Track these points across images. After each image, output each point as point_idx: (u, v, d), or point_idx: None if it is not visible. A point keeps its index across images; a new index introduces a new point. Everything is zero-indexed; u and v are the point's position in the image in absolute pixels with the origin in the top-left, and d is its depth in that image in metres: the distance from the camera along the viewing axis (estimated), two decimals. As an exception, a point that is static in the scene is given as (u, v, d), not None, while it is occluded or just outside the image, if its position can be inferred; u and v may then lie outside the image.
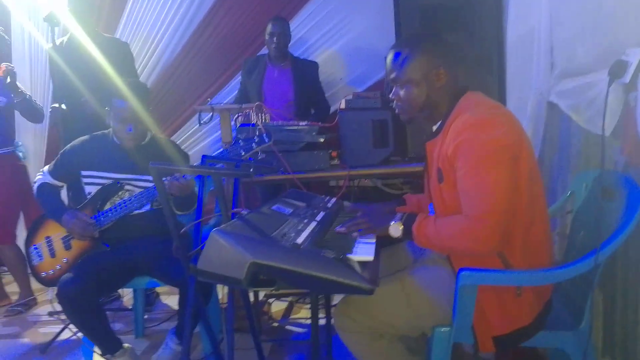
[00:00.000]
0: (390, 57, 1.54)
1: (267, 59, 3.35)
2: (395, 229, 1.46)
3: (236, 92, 3.52)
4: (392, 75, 1.53)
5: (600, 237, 1.38)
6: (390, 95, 1.57)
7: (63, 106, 2.88)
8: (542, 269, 1.43)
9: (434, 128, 1.55)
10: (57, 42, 3.01)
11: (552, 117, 2.14)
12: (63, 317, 2.34)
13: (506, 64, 2.55)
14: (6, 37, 3.33)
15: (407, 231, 1.44)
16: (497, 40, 2.63)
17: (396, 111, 1.59)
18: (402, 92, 1.52)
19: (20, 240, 3.78)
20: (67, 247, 2.24)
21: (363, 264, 1.27)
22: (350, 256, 1.28)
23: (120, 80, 2.23)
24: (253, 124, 2.55)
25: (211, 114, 2.79)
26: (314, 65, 3.42)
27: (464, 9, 2.73)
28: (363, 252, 1.34)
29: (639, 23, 1.43)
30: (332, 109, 3.68)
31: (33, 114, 3.18)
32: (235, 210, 1.71)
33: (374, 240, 1.45)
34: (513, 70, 2.45)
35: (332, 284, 1.18)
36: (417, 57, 1.48)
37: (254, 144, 1.87)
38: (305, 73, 3.35)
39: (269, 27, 3.27)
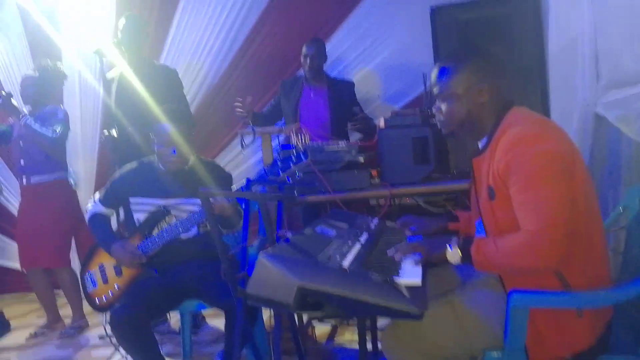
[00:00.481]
0: (435, 71, 1.56)
1: (304, 80, 3.40)
2: (453, 255, 1.42)
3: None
4: (435, 89, 1.55)
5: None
6: (433, 109, 1.58)
7: (114, 132, 3.00)
8: (597, 290, 1.38)
9: (480, 144, 1.54)
10: (110, 74, 3.14)
11: (600, 129, 2.08)
12: (113, 340, 2.41)
13: (548, 75, 2.49)
14: (63, 71, 3.49)
15: (465, 256, 1.40)
16: (537, 51, 2.58)
17: (438, 125, 1.59)
18: (443, 106, 1.54)
19: (73, 265, 3.95)
20: (119, 273, 2.32)
21: (411, 287, 1.26)
22: (398, 279, 1.27)
23: (162, 106, 2.31)
24: (293, 145, 2.58)
25: (253, 136, 2.85)
26: (350, 85, 3.45)
27: (502, 21, 2.69)
28: (410, 275, 1.32)
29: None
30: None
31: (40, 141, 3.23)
32: (279, 232, 1.73)
33: (420, 262, 1.44)
34: (556, 82, 2.40)
35: (380, 309, 1.17)
36: (460, 73, 1.49)
37: (291, 164, 1.89)
38: (341, 94, 3.37)
39: (304, 49, 3.33)
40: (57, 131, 3.26)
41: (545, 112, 2.46)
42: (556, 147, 1.34)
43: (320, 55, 3.32)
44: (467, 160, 1.59)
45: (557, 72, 2.37)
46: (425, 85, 2.71)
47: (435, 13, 2.80)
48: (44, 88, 3.35)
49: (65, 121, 3.35)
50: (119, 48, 3.07)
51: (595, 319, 1.39)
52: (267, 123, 3.34)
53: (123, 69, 3.07)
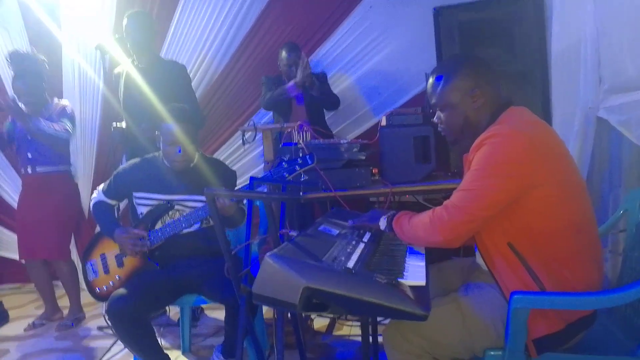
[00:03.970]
0: (429, 82, 1.61)
1: (284, 80, 3.40)
2: (382, 223, 1.63)
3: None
4: (432, 101, 1.61)
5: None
6: (434, 119, 1.64)
7: (123, 125, 3.00)
8: (598, 292, 1.40)
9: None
10: (118, 70, 3.12)
11: (601, 133, 2.09)
12: (112, 331, 2.42)
13: (550, 78, 2.50)
14: (40, 57, 3.34)
15: (389, 225, 1.60)
16: (539, 53, 2.59)
17: (442, 134, 1.64)
18: (442, 116, 1.60)
19: (72, 257, 3.94)
20: (120, 264, 2.33)
21: (415, 288, 1.28)
22: (402, 281, 1.28)
23: (168, 105, 2.31)
24: (295, 143, 2.59)
25: (254, 132, 2.86)
26: (322, 77, 3.47)
27: (504, 22, 2.69)
28: (414, 276, 1.34)
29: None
30: (371, 125, 3.72)
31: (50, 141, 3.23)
32: (283, 231, 1.75)
33: (423, 263, 1.46)
34: (558, 85, 2.40)
35: (386, 310, 1.18)
36: (452, 82, 1.54)
37: (297, 166, 1.90)
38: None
39: (284, 55, 3.35)
40: (70, 130, 3.29)
41: (547, 114, 2.47)
42: (516, 152, 1.37)
43: (298, 63, 3.32)
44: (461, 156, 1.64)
45: (559, 75, 2.38)
46: (427, 84, 2.72)
47: (439, 13, 2.80)
48: (33, 89, 3.21)
49: (73, 117, 3.36)
50: (121, 44, 3.05)
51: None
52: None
53: (127, 66, 3.05)
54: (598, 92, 2.01)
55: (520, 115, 1.51)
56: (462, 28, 2.72)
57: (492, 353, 1.45)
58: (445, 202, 1.45)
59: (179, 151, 2.22)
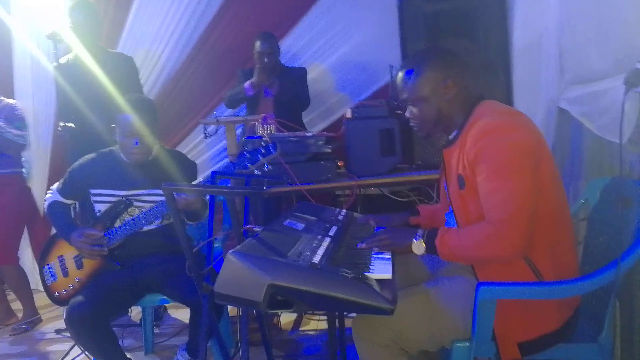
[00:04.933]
0: (399, 77, 1.58)
1: None
2: (418, 247, 1.46)
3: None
4: (404, 96, 1.57)
5: (621, 245, 1.37)
6: (407, 114, 1.60)
7: (71, 124, 2.88)
8: (564, 280, 1.41)
9: (451, 136, 1.56)
10: (62, 60, 3.00)
11: (563, 124, 2.12)
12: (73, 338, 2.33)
13: (513, 70, 2.52)
14: None
15: (430, 248, 1.44)
16: (502, 46, 2.60)
17: (414, 129, 1.62)
18: (414, 110, 1.56)
19: (26, 259, 3.78)
20: (79, 266, 2.22)
21: (381, 281, 1.25)
22: (369, 275, 1.26)
23: (125, 96, 2.21)
24: (259, 136, 2.54)
25: (216, 125, 2.79)
26: (300, 71, 3.39)
27: (468, 15, 2.69)
28: (381, 269, 1.32)
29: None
30: (336, 118, 3.69)
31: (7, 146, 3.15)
32: (246, 226, 1.70)
33: (390, 256, 1.44)
34: (520, 77, 2.43)
35: (352, 305, 1.16)
36: (423, 74, 1.52)
37: (260, 156, 1.85)
38: (291, 81, 3.29)
39: (258, 44, 3.20)
40: (25, 136, 3.17)
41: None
42: (525, 139, 1.37)
43: (274, 51, 3.23)
44: (438, 151, 1.63)
45: (521, 68, 2.40)
46: (392, 76, 2.70)
47: (403, 5, 2.78)
48: None
49: (24, 119, 3.20)
50: (73, 32, 2.92)
51: (563, 302, 1.43)
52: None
53: (79, 52, 2.93)
54: (559, 83, 2.03)
55: (497, 107, 1.51)
56: (426, 20, 2.70)
57: (459, 344, 1.45)
58: (491, 219, 1.35)
59: (136, 143, 2.12)
